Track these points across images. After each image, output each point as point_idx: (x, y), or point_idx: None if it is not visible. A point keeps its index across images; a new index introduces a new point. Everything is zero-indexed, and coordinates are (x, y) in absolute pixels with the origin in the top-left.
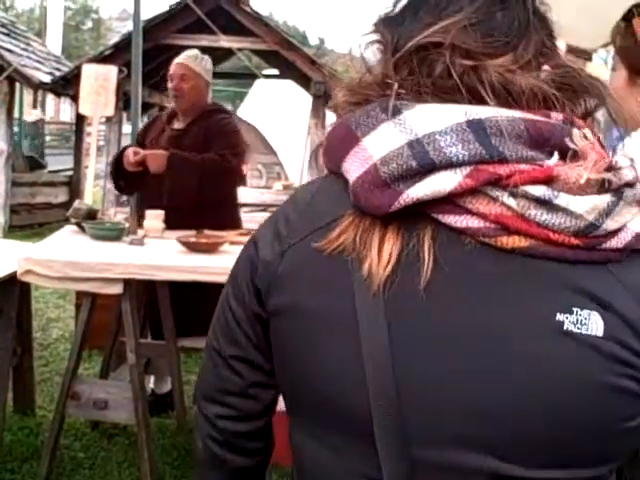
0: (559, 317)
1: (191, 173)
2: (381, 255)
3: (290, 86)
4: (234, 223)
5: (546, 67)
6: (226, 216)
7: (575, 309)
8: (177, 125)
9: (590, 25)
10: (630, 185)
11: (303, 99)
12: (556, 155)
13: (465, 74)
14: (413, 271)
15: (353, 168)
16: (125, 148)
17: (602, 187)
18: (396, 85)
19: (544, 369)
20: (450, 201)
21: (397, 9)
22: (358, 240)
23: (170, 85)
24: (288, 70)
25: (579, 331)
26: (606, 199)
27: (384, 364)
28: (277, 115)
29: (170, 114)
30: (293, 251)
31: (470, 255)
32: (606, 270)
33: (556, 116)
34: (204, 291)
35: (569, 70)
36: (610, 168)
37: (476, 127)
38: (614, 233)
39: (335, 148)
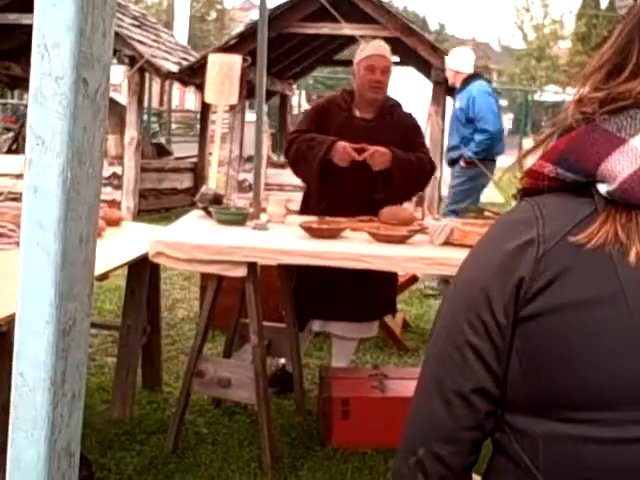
0: None
1: (411, 173)
2: None
3: (410, 73)
4: None
5: None
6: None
7: None
8: (360, 114)
9: None
10: None
11: (423, 86)
12: None
13: None
14: None
15: (621, 166)
16: (331, 142)
17: None
18: None
19: None
20: None
21: None
22: (620, 232)
23: (368, 76)
24: (409, 57)
25: None
26: None
27: None
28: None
29: (347, 101)
30: (551, 254)
31: None
32: None
33: None
34: (334, 277)
35: None
36: None
37: None
38: None
39: (589, 150)
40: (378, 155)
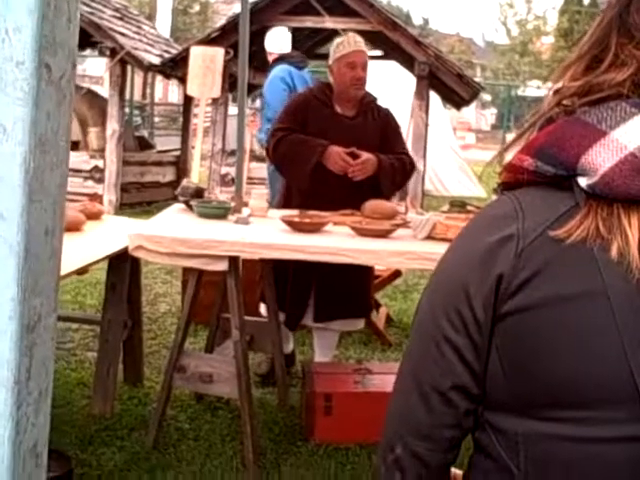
0: None
1: (395, 177)
2: (628, 238)
3: (393, 67)
4: None
5: None
6: None
7: None
8: (342, 110)
9: None
10: None
11: (406, 80)
12: None
13: None
14: None
15: (602, 158)
16: (324, 147)
17: None
18: None
19: None
20: None
21: None
22: (601, 226)
23: (350, 74)
24: (392, 51)
25: None
26: None
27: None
28: (380, 96)
29: (325, 96)
30: (531, 249)
31: None
32: None
33: None
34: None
35: None
36: None
37: None
38: None
39: (569, 143)
40: (370, 164)
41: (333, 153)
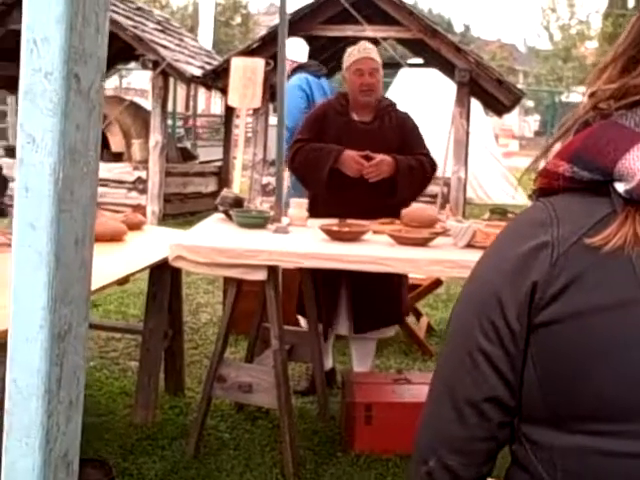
0: None
1: (414, 178)
2: None
3: (434, 75)
4: None
5: None
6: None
7: None
8: (358, 117)
9: None
10: None
11: (447, 87)
12: None
13: None
14: None
15: None
16: (339, 152)
17: None
18: None
19: None
20: None
21: None
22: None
23: (358, 80)
24: (432, 58)
25: None
26: None
27: None
28: (421, 104)
29: (344, 104)
30: (566, 257)
31: None
32: None
33: None
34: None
35: None
36: None
37: None
38: None
39: (605, 148)
40: (386, 164)
41: (347, 157)
